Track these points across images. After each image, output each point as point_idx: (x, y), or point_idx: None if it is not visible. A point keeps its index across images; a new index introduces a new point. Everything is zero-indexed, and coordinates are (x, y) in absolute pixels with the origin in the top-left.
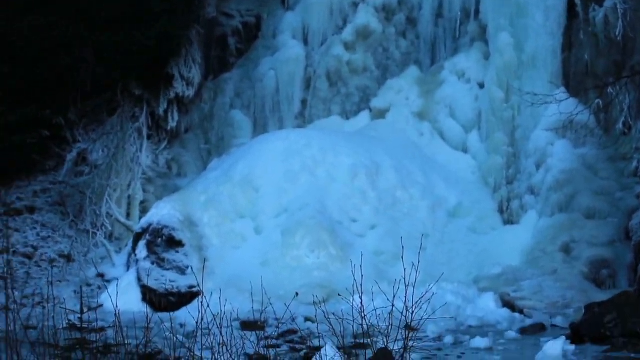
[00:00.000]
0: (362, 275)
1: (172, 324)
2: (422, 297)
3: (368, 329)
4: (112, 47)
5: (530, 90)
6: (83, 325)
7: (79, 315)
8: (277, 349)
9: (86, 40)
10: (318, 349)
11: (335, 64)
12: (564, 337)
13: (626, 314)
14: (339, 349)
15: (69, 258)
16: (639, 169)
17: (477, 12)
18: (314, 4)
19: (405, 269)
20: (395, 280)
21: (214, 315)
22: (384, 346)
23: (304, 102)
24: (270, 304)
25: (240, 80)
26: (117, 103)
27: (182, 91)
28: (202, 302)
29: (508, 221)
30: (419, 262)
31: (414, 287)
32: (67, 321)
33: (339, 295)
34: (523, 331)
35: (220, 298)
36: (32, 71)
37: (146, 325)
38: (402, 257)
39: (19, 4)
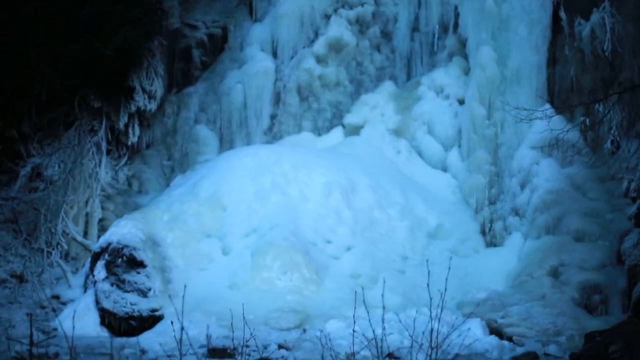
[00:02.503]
0: None
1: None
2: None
3: (348, 358)
4: (70, 57)
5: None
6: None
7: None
8: None
9: (43, 50)
10: None
11: (306, 78)
12: None
13: (633, 343)
14: None
15: (21, 278)
16: (630, 189)
17: (455, 25)
18: (283, 15)
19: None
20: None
21: (178, 342)
22: None
23: (273, 118)
24: (251, 330)
25: (205, 94)
26: (74, 116)
27: (143, 104)
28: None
29: (491, 243)
30: None
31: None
32: (14, 352)
33: None
34: None
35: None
36: None
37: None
38: None
39: None
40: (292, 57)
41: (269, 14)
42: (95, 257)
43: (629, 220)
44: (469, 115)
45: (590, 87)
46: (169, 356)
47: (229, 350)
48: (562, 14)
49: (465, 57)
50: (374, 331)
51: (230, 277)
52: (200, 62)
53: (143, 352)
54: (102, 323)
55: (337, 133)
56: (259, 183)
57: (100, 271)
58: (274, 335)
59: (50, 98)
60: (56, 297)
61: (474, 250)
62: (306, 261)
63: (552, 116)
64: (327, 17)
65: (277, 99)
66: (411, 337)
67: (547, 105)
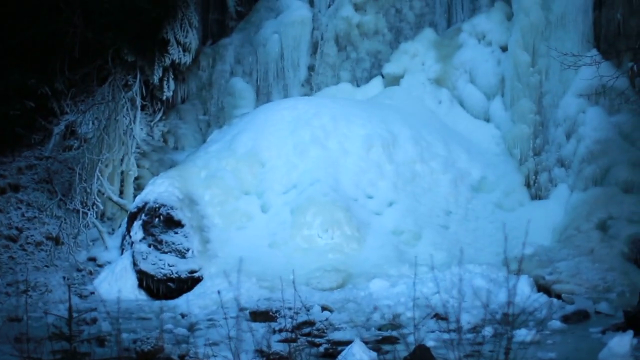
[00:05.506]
0: None
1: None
2: None
3: (393, 319)
4: (102, 9)
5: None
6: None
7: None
8: (293, 344)
9: (74, 2)
10: (339, 343)
11: (344, 27)
12: (631, 333)
13: None
14: (366, 343)
15: (57, 240)
16: None
17: None
18: None
19: None
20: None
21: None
22: (417, 340)
23: (310, 68)
24: (292, 292)
25: (241, 45)
26: (107, 71)
27: (178, 57)
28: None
29: (536, 196)
30: None
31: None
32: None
33: None
34: (566, 319)
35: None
36: (15, 37)
37: None
38: None
39: None
40: (329, 5)
41: None
42: (132, 217)
43: None
44: (512, 62)
45: (638, 31)
46: (209, 319)
47: (270, 313)
48: None
49: (508, 1)
50: (418, 290)
51: (270, 236)
52: (235, 12)
53: (183, 315)
54: (140, 285)
55: (376, 83)
56: (298, 137)
57: (137, 232)
58: (316, 295)
59: (83, 53)
60: (92, 259)
61: (518, 204)
62: (347, 218)
63: (600, 62)
64: None
65: (315, 49)
66: (457, 296)
67: (594, 51)
